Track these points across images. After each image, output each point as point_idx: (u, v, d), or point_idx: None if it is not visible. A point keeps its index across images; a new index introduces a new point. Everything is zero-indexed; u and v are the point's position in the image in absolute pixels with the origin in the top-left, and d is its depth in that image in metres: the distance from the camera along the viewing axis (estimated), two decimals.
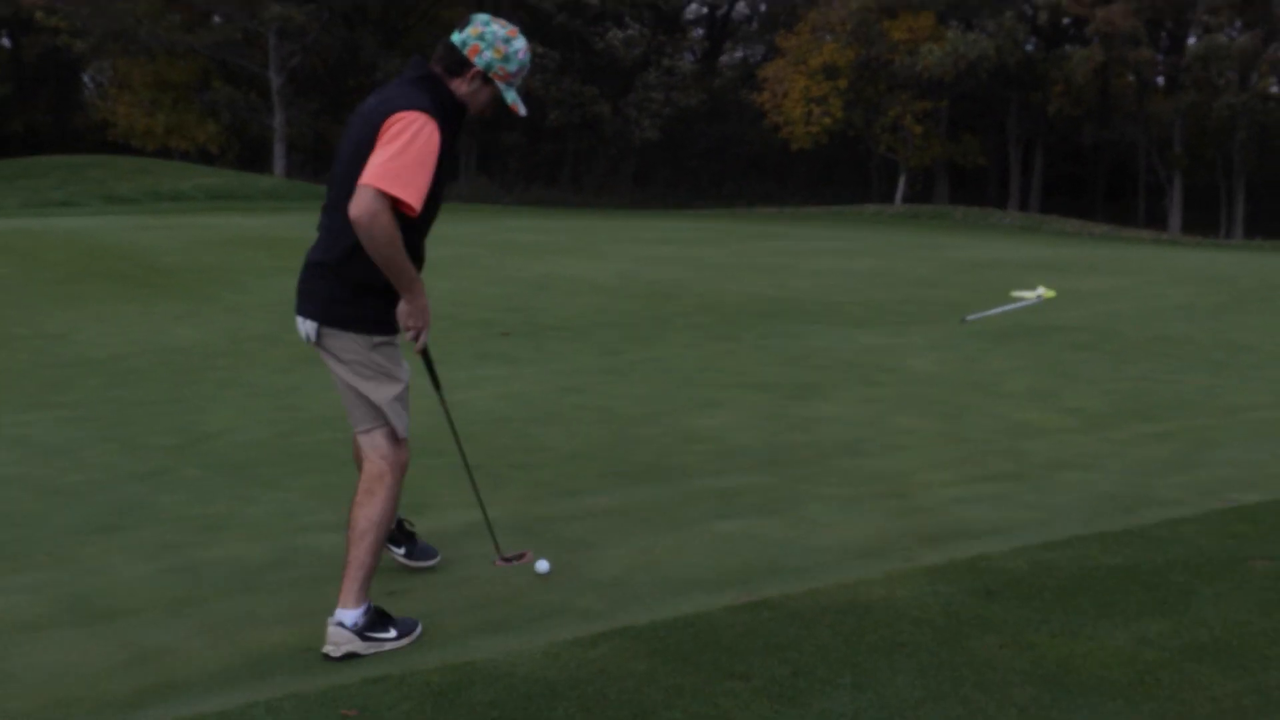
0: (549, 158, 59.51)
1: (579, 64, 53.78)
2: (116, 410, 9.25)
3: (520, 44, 4.55)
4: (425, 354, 4.88)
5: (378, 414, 4.58)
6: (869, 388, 9.52)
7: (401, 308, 4.54)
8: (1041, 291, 14.97)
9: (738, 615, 4.52)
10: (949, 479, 6.67)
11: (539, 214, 39.44)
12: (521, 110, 4.60)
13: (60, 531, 6.06)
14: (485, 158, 58.32)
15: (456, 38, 4.52)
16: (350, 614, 4.40)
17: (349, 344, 4.54)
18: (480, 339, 12.63)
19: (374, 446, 4.57)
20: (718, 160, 59.38)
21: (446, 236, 26.10)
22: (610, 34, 50.88)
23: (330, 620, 4.41)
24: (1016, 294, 15.03)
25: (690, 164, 59.38)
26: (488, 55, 4.49)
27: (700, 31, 67.07)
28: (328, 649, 4.36)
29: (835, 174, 59.35)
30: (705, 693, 3.86)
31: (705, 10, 63.83)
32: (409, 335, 4.64)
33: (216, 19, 53.03)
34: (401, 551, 5.30)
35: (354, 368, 4.56)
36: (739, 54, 68.68)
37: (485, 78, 4.53)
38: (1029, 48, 45.50)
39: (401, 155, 4.25)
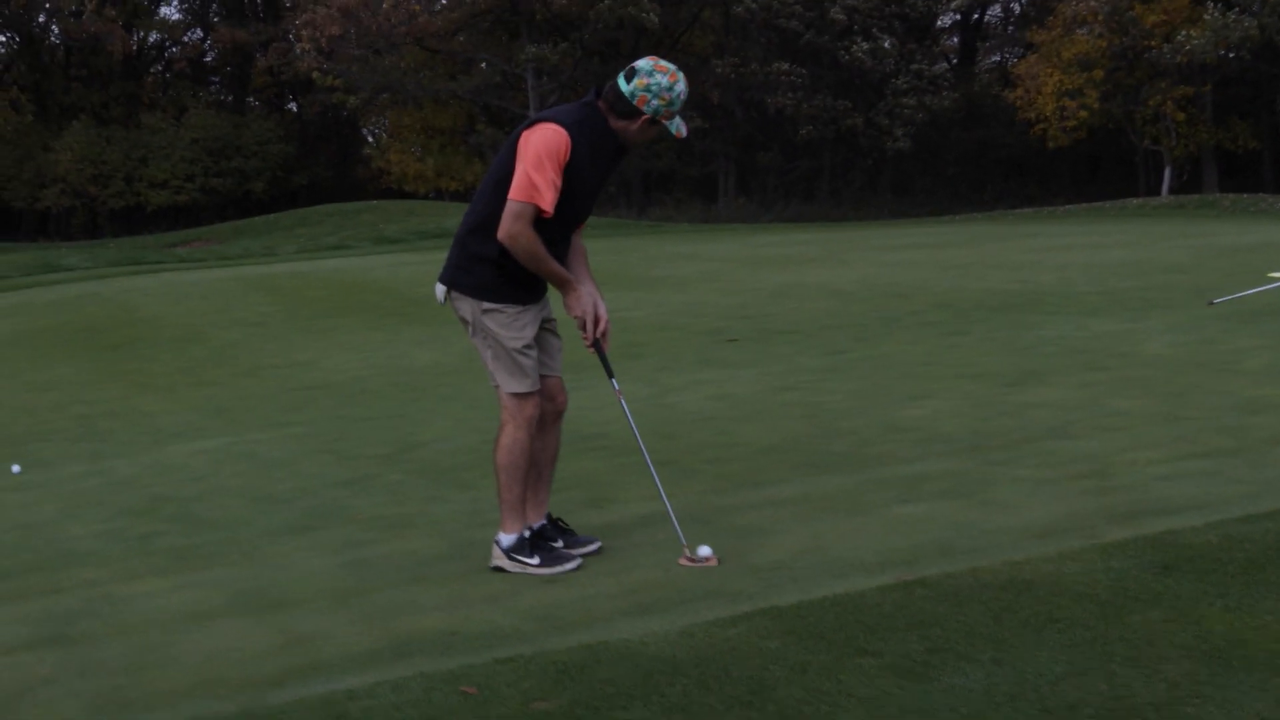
0: (806, 174, 59.19)
1: (829, 79, 53.40)
2: (340, 426, 9.59)
3: (680, 86, 4.96)
4: (596, 346, 5.22)
5: None
6: (1091, 373, 9.03)
7: (565, 302, 5.19)
8: None
9: (888, 594, 4.32)
10: (1157, 458, 6.23)
11: (793, 229, 39.26)
12: (683, 133, 5.05)
13: (258, 533, 6.31)
14: (743, 178, 58.47)
15: (625, 88, 4.95)
16: (504, 537, 5.13)
17: (465, 306, 5.15)
18: (706, 346, 12.61)
19: (501, 397, 5.16)
20: (976, 166, 57.92)
21: (695, 254, 26.38)
22: (855, 47, 50.28)
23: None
24: (1273, 275, 14.07)
25: (948, 171, 58.13)
26: (654, 103, 4.95)
27: (955, 39, 65.74)
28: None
29: (1100, 171, 57.08)
30: (831, 669, 3.68)
31: (958, 16, 62.43)
32: (577, 326, 5.22)
33: (484, 65, 54.79)
34: (559, 545, 5.34)
35: (471, 329, 5.17)
36: (995, 58, 66.94)
37: (653, 120, 4.98)
38: None
39: (524, 162, 4.87)
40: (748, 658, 3.83)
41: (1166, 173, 44.88)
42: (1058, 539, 4.88)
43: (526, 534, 5.12)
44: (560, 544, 5.34)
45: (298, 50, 53.43)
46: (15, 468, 8.94)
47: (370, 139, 68.72)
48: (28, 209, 59.72)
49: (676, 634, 4.11)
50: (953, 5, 54.43)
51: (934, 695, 3.45)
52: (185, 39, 66.20)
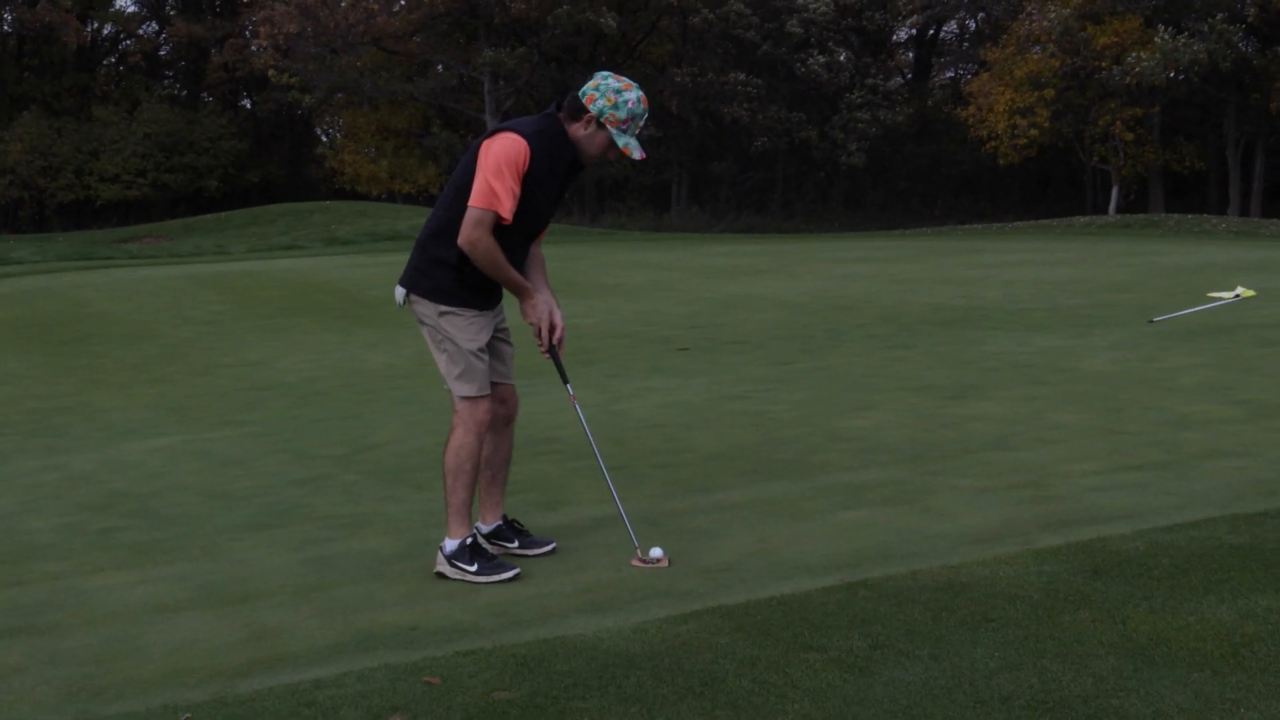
0: (759, 185, 59.55)
1: (784, 91, 53.81)
2: (295, 426, 9.70)
3: (631, 95, 5.12)
4: (551, 353, 5.41)
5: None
6: (1033, 387, 9.30)
7: (521, 308, 5.38)
8: (1239, 291, 14.34)
9: (832, 595, 4.53)
10: (1092, 469, 6.48)
11: (744, 240, 39.53)
12: (634, 154, 5.14)
13: (218, 530, 6.44)
14: (696, 187, 58.76)
15: (581, 90, 5.16)
16: (447, 542, 5.24)
17: (423, 309, 5.30)
18: (657, 354, 12.78)
19: (453, 401, 5.30)
20: (928, 181, 58.48)
21: (647, 263, 26.57)
22: (812, 60, 50.73)
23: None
24: (1213, 295, 14.45)
25: (900, 186, 58.66)
26: (600, 103, 5.11)
27: (910, 54, 66.37)
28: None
29: (1049, 189, 57.80)
30: (778, 664, 3.88)
31: (914, 31, 63.08)
32: (533, 333, 5.39)
33: (440, 67, 54.77)
34: (515, 544, 5.55)
35: (428, 331, 5.33)
36: (949, 74, 67.63)
37: (599, 123, 5.13)
38: (1244, 47, 43.53)
39: (484, 170, 5.05)
40: (699, 652, 4.02)
41: (1114, 192, 45.55)
42: (994, 544, 5.11)
43: (469, 540, 5.23)
44: (516, 544, 5.52)
45: (254, 47, 53.22)
46: None
47: (324, 139, 68.50)
48: None
49: (630, 630, 4.29)
50: (909, 21, 54.99)
51: (876, 688, 3.65)
52: (140, 32, 65.60)
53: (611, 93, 5.10)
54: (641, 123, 5.18)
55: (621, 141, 5.15)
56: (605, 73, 5.24)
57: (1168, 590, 4.33)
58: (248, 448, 8.89)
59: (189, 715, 3.84)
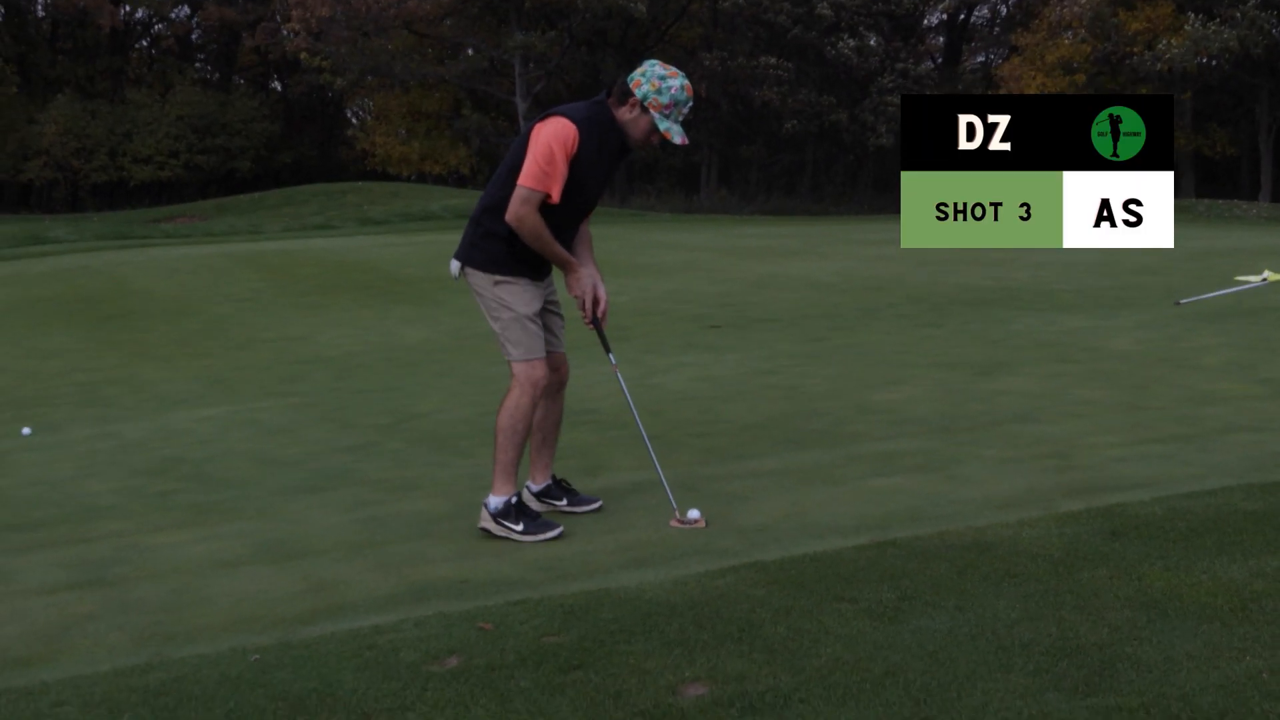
0: (788, 168, 59.69)
1: (814, 75, 53.88)
2: (339, 397, 9.98)
3: (676, 82, 5.37)
4: (595, 324, 5.72)
5: None
6: (1060, 364, 9.49)
7: (566, 281, 5.67)
8: (1267, 275, 14.45)
9: (863, 552, 4.76)
10: (1115, 441, 6.68)
11: (774, 221, 39.75)
12: (675, 139, 5.40)
13: (271, 492, 6.71)
14: (726, 169, 58.94)
15: (630, 75, 5.43)
16: (492, 499, 5.46)
17: (478, 280, 5.56)
18: (691, 331, 13.00)
19: (511, 365, 5.53)
20: None
21: (678, 244, 26.79)
22: (841, 44, 50.77)
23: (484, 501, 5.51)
24: (1240, 278, 14.58)
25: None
26: (645, 88, 5.36)
27: (940, 39, 66.24)
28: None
29: None
30: (812, 612, 4.12)
31: (944, 16, 62.97)
32: (577, 305, 5.71)
33: (471, 50, 54.98)
34: (564, 503, 5.82)
35: (484, 301, 5.59)
36: (980, 59, 67.49)
37: (643, 107, 5.37)
38: (1277, 34, 43.35)
39: (534, 152, 5.31)
40: (736, 602, 4.26)
41: None
42: (1018, 509, 5.33)
43: (514, 499, 5.46)
44: (564, 502, 5.80)
45: (286, 30, 53.56)
46: (26, 430, 9.29)
47: (355, 121, 68.90)
48: (10, 181, 59.70)
49: (671, 583, 4.54)
50: (940, 6, 54.91)
51: (904, 634, 3.88)
52: (173, 15, 66.15)
53: (656, 79, 5.35)
54: (686, 109, 5.41)
55: (663, 126, 5.39)
56: (653, 60, 5.49)
57: (1182, 550, 4.54)
58: (294, 417, 9.17)
59: (258, 657, 4.10)
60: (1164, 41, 40.35)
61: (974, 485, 5.88)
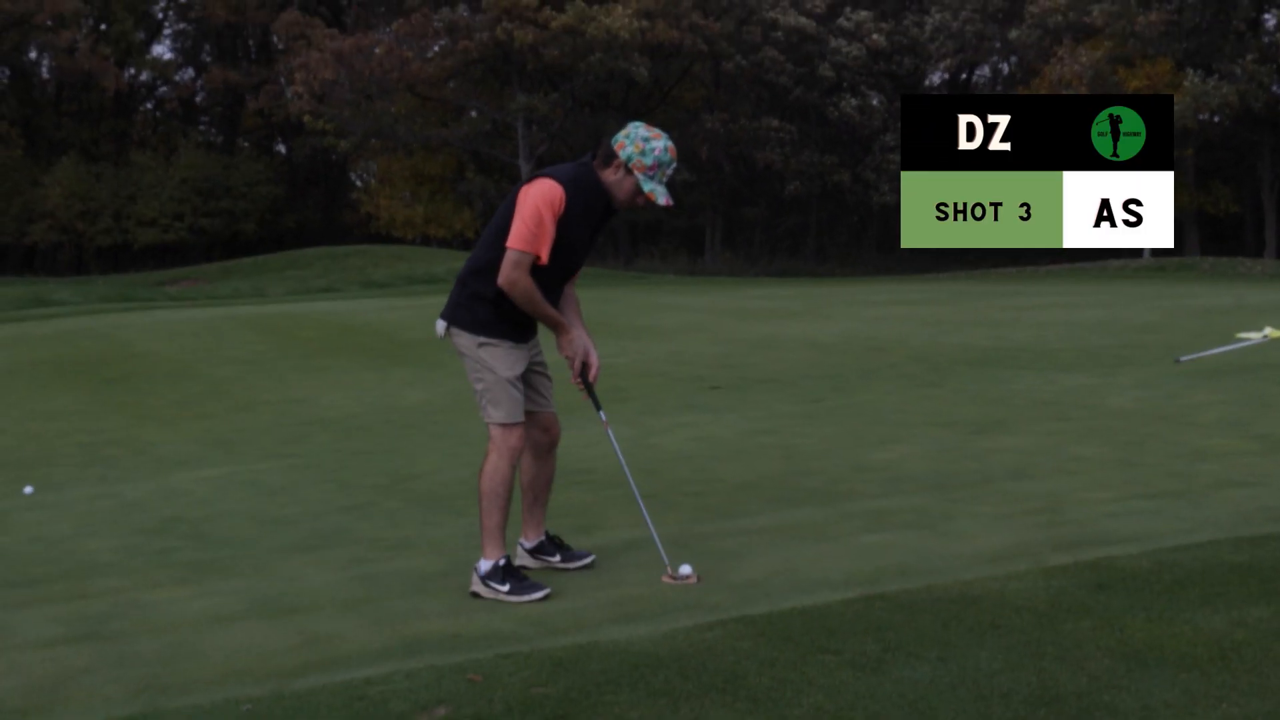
0: (792, 229, 60.05)
1: (817, 135, 54.31)
2: (339, 459, 10.05)
3: (659, 144, 5.44)
4: (585, 384, 5.75)
5: None
6: (1057, 422, 9.55)
7: (558, 342, 5.72)
8: (1268, 331, 14.53)
9: (850, 606, 4.81)
10: (1107, 497, 6.74)
11: (778, 283, 39.93)
12: (659, 200, 5.45)
13: (269, 550, 6.76)
14: (730, 231, 59.25)
15: (614, 137, 5.50)
16: (482, 563, 5.50)
17: (463, 340, 5.64)
18: (690, 392, 13.08)
19: (489, 428, 5.61)
20: None
21: (681, 305, 26.92)
22: (843, 104, 51.22)
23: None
24: (1241, 335, 14.65)
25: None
26: (629, 150, 5.44)
27: None
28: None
29: None
30: (796, 664, 4.17)
31: (946, 76, 63.51)
32: (569, 365, 5.74)
33: (474, 113, 55.47)
34: (557, 559, 5.87)
35: (467, 361, 5.66)
36: None
37: (627, 169, 5.45)
38: (1276, 89, 43.73)
39: (522, 213, 5.39)
40: (722, 655, 4.31)
41: None
42: (1006, 563, 5.38)
43: (502, 562, 5.49)
44: (558, 558, 5.86)
45: (290, 93, 54.10)
46: (28, 489, 9.37)
47: (359, 183, 69.38)
48: (15, 244, 60.06)
49: (659, 636, 4.59)
50: (942, 65, 55.42)
51: (885, 685, 3.93)
52: (177, 78, 66.87)
53: (640, 140, 5.43)
54: (669, 171, 5.49)
55: (647, 187, 5.47)
56: (637, 123, 5.59)
57: (1166, 602, 4.59)
58: (293, 478, 9.24)
59: (249, 706, 4.14)
60: None
61: (964, 540, 5.93)
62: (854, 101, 51.48)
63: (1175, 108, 38.98)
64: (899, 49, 53.55)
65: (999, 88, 66.33)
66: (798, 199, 55.77)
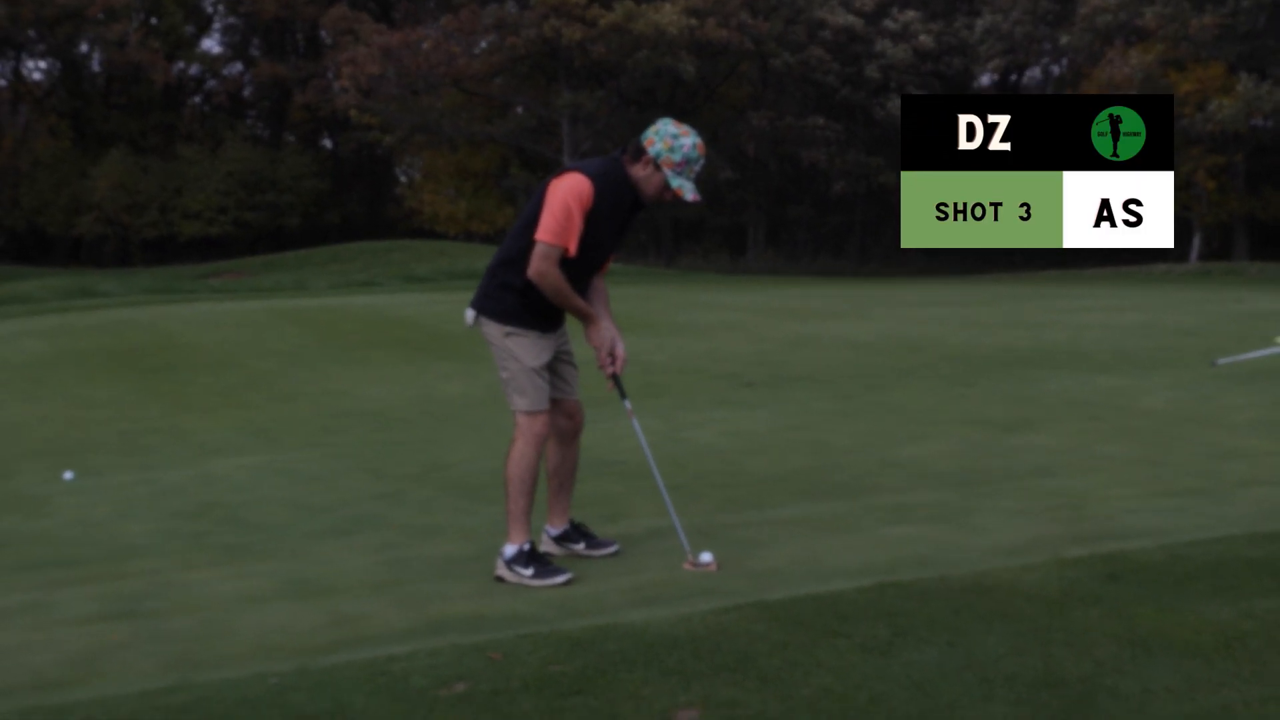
0: (836, 229, 60.00)
1: (863, 135, 54.21)
2: (374, 449, 10.20)
3: (687, 141, 5.57)
4: (613, 374, 5.87)
5: None
6: (1088, 422, 9.59)
7: (586, 333, 5.85)
8: None
9: (865, 593, 4.90)
10: (1130, 494, 6.80)
11: (820, 283, 39.91)
12: (687, 196, 5.61)
13: (302, 535, 6.93)
14: (773, 230, 59.27)
15: (643, 133, 5.63)
16: (507, 548, 5.63)
17: (491, 330, 5.77)
18: (724, 389, 13.17)
19: (514, 415, 5.73)
20: None
21: (720, 304, 26.99)
22: (891, 104, 51.12)
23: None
24: (1279, 339, 14.58)
25: None
26: (658, 146, 5.57)
27: None
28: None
29: None
30: (807, 647, 4.27)
31: (996, 78, 63.20)
32: (596, 356, 5.87)
33: (520, 109, 55.69)
34: (581, 546, 6.01)
35: (495, 350, 5.78)
36: None
37: (656, 165, 5.56)
38: None
39: (551, 207, 5.53)
40: (736, 637, 4.41)
41: (1196, 239, 45.29)
42: (1025, 556, 5.45)
43: (526, 547, 5.62)
44: (582, 545, 6.00)
45: (336, 88, 54.47)
46: (68, 474, 9.57)
47: (403, 178, 69.76)
48: (61, 235, 60.75)
49: (675, 619, 4.69)
50: (990, 65, 55.14)
51: (893, 667, 4.02)
52: (225, 72, 67.45)
53: (669, 137, 5.55)
54: (697, 168, 5.62)
55: (675, 183, 5.60)
56: (667, 119, 5.71)
57: (1175, 594, 4.66)
58: (329, 466, 9.40)
59: (277, 680, 4.28)
60: (1215, 102, 40.28)
61: (984, 534, 6.00)
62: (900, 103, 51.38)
63: (1227, 112, 38.98)
64: (947, 49, 53.33)
65: (1048, 90, 66.03)
66: (843, 199, 55.65)
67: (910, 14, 52.17)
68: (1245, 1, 40.80)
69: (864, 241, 59.06)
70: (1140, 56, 42.38)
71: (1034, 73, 67.27)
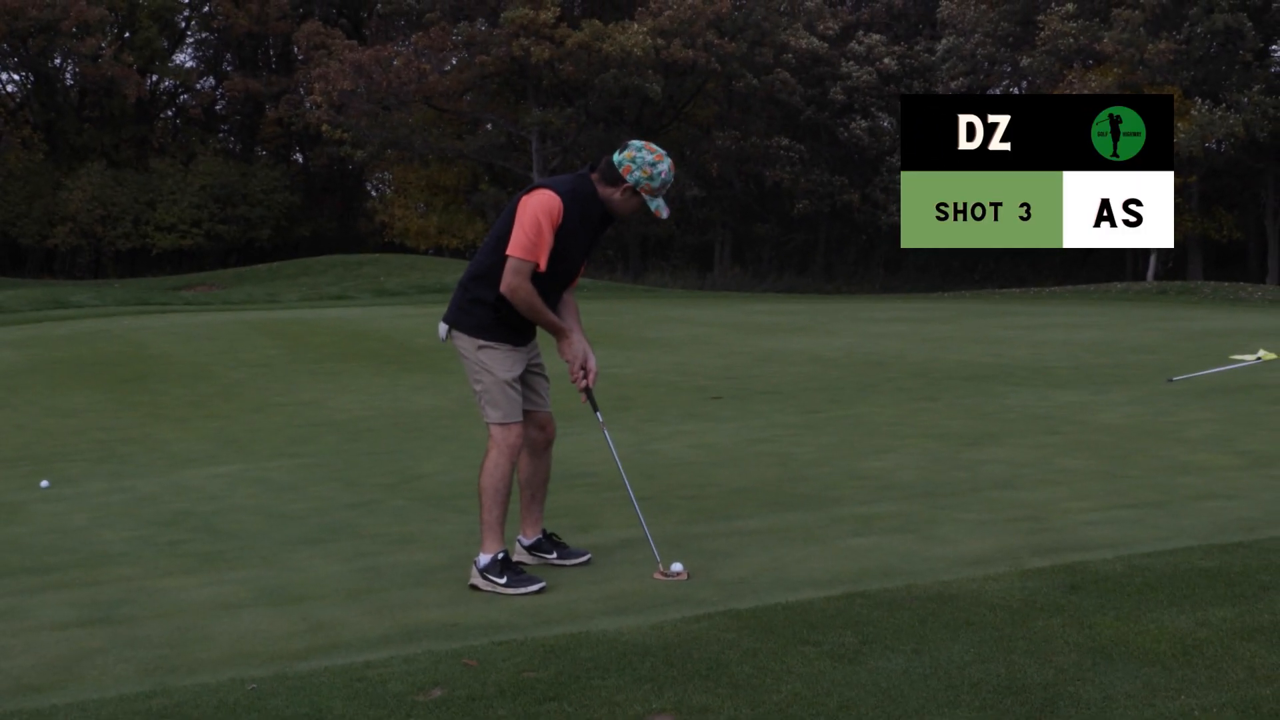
0: (801, 247, 60.28)
1: (827, 155, 54.56)
2: (345, 459, 10.26)
3: (663, 166, 5.69)
4: (585, 388, 5.96)
5: None
6: (1047, 436, 9.75)
7: (558, 347, 5.96)
8: (1261, 354, 14.72)
9: (833, 603, 5.01)
10: (1089, 506, 6.94)
11: (785, 299, 40.15)
12: (663, 214, 5.76)
13: (275, 543, 6.99)
14: (739, 247, 59.51)
15: (616, 158, 5.72)
16: (481, 557, 5.71)
17: (464, 343, 5.87)
18: (692, 402, 13.29)
19: (488, 427, 5.85)
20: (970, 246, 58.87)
21: (688, 319, 27.15)
22: (854, 125, 51.51)
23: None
24: (1235, 357, 14.84)
25: (942, 249, 59.17)
26: (636, 174, 5.68)
27: None
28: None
29: (1090, 256, 58.09)
30: (777, 654, 4.38)
31: None
32: (569, 370, 5.95)
33: (489, 126, 55.77)
34: (553, 556, 6.10)
35: (467, 363, 5.89)
36: None
37: (634, 191, 5.69)
38: None
39: (521, 223, 5.64)
40: (707, 644, 4.52)
41: (1152, 259, 45.83)
42: (988, 567, 5.57)
43: (500, 555, 5.71)
44: (554, 556, 6.08)
45: (308, 103, 54.45)
46: (44, 483, 9.60)
47: (374, 193, 69.72)
48: (35, 246, 60.41)
49: (648, 627, 4.80)
50: (953, 86, 55.59)
51: (860, 674, 4.14)
52: (198, 86, 67.30)
53: (647, 165, 5.66)
54: (669, 186, 5.76)
55: (653, 205, 5.75)
56: (638, 143, 5.79)
57: (1134, 603, 4.79)
58: (302, 476, 9.46)
59: (255, 686, 4.36)
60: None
61: (948, 544, 6.13)
62: (864, 123, 51.75)
63: (1181, 136, 39.47)
64: (910, 72, 53.77)
65: None
66: (807, 217, 55.97)
67: (875, 37, 52.64)
68: (1199, 28, 41.45)
69: (828, 259, 59.36)
70: (1099, 79, 42.88)
71: (994, 94, 67.90)
